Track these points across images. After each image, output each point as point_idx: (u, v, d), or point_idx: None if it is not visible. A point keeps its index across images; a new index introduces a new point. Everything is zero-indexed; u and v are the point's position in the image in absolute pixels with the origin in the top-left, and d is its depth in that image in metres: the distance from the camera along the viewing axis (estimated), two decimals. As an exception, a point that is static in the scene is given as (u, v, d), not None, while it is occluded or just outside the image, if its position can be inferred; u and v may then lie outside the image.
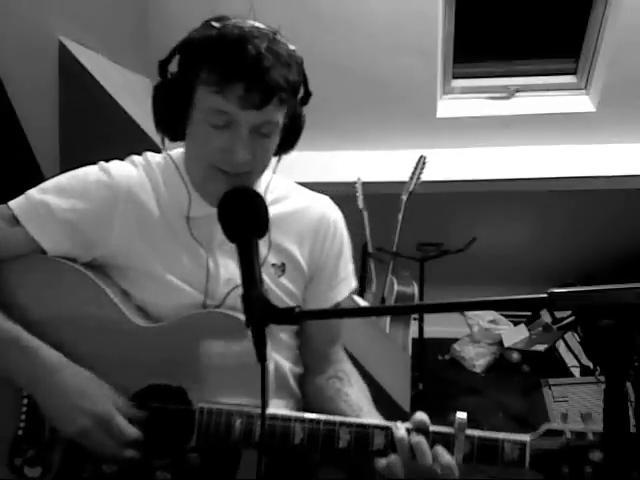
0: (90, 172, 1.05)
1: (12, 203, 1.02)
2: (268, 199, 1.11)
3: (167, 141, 1.02)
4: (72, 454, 0.98)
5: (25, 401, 1.00)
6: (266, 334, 1.03)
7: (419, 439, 0.89)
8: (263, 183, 1.11)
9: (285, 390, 1.16)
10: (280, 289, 1.10)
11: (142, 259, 1.04)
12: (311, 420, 0.93)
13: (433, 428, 0.91)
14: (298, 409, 1.16)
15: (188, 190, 1.05)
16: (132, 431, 0.94)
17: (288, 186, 1.18)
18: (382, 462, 0.91)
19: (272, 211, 1.09)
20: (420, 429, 0.91)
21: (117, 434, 0.93)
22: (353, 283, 1.21)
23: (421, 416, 0.92)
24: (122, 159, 1.10)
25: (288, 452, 0.95)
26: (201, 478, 0.95)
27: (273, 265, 1.10)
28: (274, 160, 1.07)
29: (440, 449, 0.89)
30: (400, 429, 0.91)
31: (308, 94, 1.03)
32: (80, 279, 1.02)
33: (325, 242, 1.15)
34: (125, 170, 1.06)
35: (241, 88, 0.90)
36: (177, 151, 1.09)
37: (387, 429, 0.92)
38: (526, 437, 0.89)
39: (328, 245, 1.15)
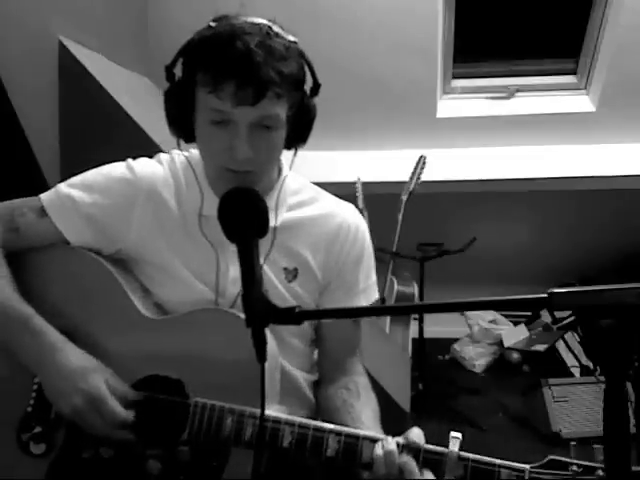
0: (116, 169, 1.10)
1: (42, 195, 1.08)
2: (289, 202, 1.11)
3: (183, 142, 1.05)
4: (74, 435, 1.00)
5: (36, 379, 1.03)
6: (276, 341, 1.04)
7: (406, 459, 0.87)
8: (279, 184, 1.11)
9: (298, 398, 1.15)
10: (290, 294, 1.10)
11: (159, 254, 1.07)
12: (301, 424, 0.93)
13: (425, 447, 0.89)
14: (314, 418, 1.15)
15: (201, 188, 1.08)
16: (124, 414, 0.95)
17: (314, 190, 1.17)
18: (368, 475, 0.90)
19: (292, 215, 1.10)
20: (411, 447, 0.89)
21: (109, 415, 0.94)
22: (374, 296, 1.18)
23: (416, 435, 0.90)
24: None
25: (279, 455, 0.94)
26: (190, 472, 0.96)
27: (285, 269, 1.10)
28: (290, 155, 1.07)
29: (429, 474, 0.87)
30: (391, 444, 0.89)
31: (317, 84, 1.02)
32: (97, 269, 1.06)
33: (343, 249, 1.13)
34: (150, 168, 1.10)
35: (233, 85, 0.90)
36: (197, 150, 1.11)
37: (376, 442, 0.90)
38: (526, 466, 0.85)
39: (345, 252, 1.13)
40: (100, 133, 2.07)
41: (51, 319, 1.00)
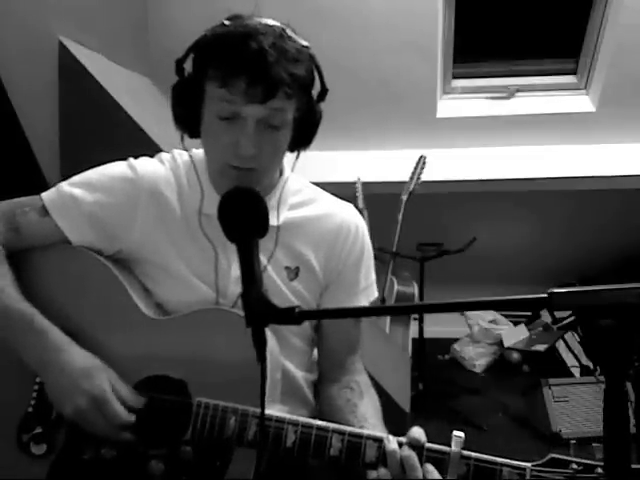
0: (117, 168, 1.10)
1: (44, 194, 1.08)
2: (290, 202, 1.12)
3: (187, 138, 1.05)
4: (75, 436, 1.00)
5: (38, 379, 1.02)
6: (278, 341, 1.05)
7: (409, 453, 0.88)
8: (280, 184, 1.11)
9: (298, 398, 1.15)
10: (292, 292, 1.10)
11: (160, 254, 1.07)
12: (304, 424, 0.93)
13: (428, 445, 0.89)
14: (313, 418, 1.16)
15: (201, 187, 1.08)
16: (126, 415, 0.95)
17: (313, 191, 1.18)
18: (372, 474, 0.90)
19: (293, 215, 1.11)
20: (414, 445, 0.89)
21: (111, 416, 0.94)
22: (374, 294, 1.19)
23: (417, 432, 0.91)
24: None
25: (281, 456, 0.93)
26: (193, 472, 0.96)
27: (286, 268, 1.10)
28: (292, 157, 1.07)
29: (430, 467, 0.87)
30: (392, 442, 0.90)
31: (324, 90, 1.03)
32: (99, 269, 1.06)
33: (343, 249, 1.14)
34: (152, 167, 1.10)
35: (244, 82, 0.91)
36: (200, 149, 1.10)
37: (380, 441, 0.90)
38: (527, 464, 0.86)
39: (346, 252, 1.14)
40: (100, 133, 2.07)
41: (53, 319, 1.00)
